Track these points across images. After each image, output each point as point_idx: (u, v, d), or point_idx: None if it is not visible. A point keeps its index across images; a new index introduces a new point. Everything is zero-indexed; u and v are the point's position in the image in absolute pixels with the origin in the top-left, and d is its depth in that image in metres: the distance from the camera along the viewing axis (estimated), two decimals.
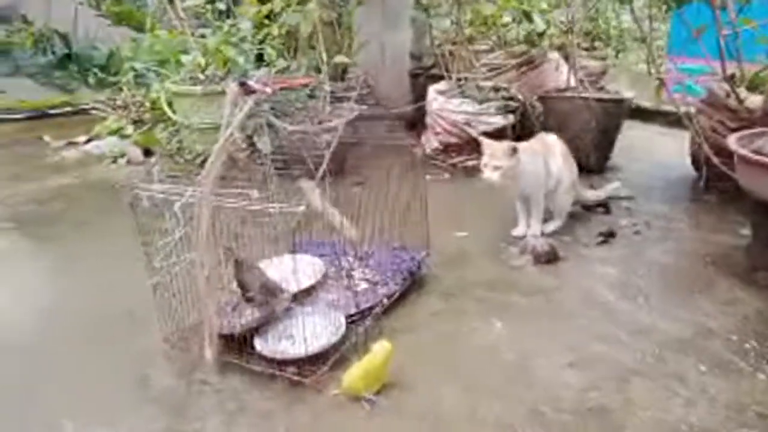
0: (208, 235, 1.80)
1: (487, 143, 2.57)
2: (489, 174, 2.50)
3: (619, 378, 1.82)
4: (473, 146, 3.60)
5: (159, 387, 1.83)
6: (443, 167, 3.66)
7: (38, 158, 4.09)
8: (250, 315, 1.97)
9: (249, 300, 1.96)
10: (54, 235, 2.94)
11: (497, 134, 3.27)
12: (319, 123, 2.50)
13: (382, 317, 2.11)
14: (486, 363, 1.91)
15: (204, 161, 1.92)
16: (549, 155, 2.72)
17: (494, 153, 2.51)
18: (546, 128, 3.47)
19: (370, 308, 2.09)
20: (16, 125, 4.98)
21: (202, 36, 4.22)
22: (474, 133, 3.52)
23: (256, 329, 1.95)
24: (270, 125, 1.97)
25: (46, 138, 4.43)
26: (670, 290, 2.32)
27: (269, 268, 2.10)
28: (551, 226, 2.78)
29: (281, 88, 2.02)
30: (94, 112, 4.72)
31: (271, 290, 1.98)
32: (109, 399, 1.79)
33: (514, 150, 2.52)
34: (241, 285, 1.98)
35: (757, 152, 2.29)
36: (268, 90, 1.90)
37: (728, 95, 2.99)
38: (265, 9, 4.02)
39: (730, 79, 2.92)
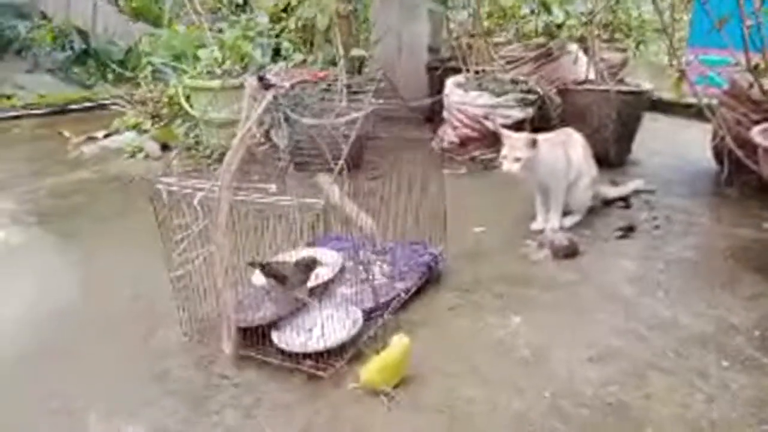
0: (226, 229, 1.82)
1: (506, 135, 2.57)
2: (509, 166, 2.51)
3: (639, 373, 1.81)
4: (491, 140, 3.59)
5: (178, 380, 1.85)
6: (461, 161, 3.65)
7: (58, 153, 4.15)
8: (268, 309, 1.98)
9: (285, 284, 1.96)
10: (74, 229, 2.98)
11: (516, 127, 3.25)
12: (337, 116, 2.50)
13: (400, 311, 2.12)
14: (504, 357, 1.90)
15: (222, 155, 1.93)
16: (569, 146, 2.72)
17: (514, 144, 2.51)
18: (565, 121, 3.46)
19: (388, 302, 2.09)
20: (36, 121, 5.05)
21: (219, 30, 4.24)
22: (492, 125, 3.50)
23: (274, 323, 1.96)
24: (287, 119, 1.97)
25: (66, 133, 4.49)
26: (692, 285, 2.29)
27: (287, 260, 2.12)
28: (570, 220, 2.77)
29: (299, 83, 2.02)
30: (112, 107, 4.78)
31: (308, 266, 1.97)
32: (129, 391, 1.82)
33: (534, 142, 2.52)
34: (279, 278, 1.97)
35: None
36: (287, 84, 1.91)
37: (751, 86, 2.94)
38: (281, 3, 4.03)
39: (754, 69, 2.87)
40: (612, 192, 2.99)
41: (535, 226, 2.74)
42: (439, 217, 2.34)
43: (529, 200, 2.79)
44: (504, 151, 2.53)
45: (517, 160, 2.49)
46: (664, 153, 3.74)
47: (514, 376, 1.81)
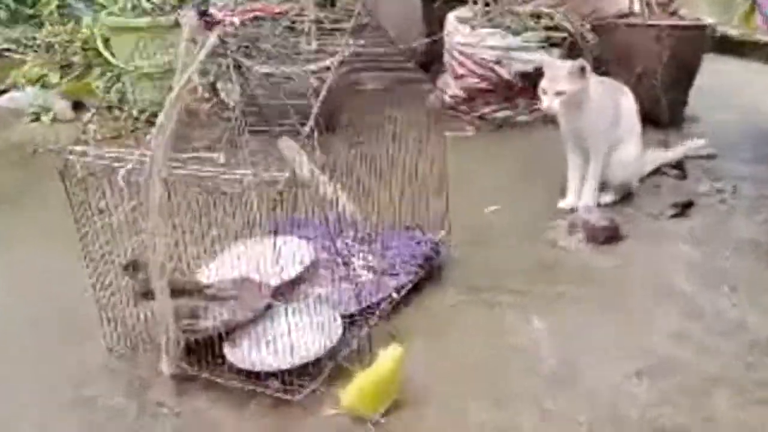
0: (161, 214, 1.81)
1: (548, 63, 2.65)
2: (548, 102, 2.55)
3: (698, 390, 1.83)
4: (506, 92, 3.59)
5: (105, 409, 1.85)
6: (467, 120, 3.66)
7: None
8: (219, 315, 1.97)
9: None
10: None
11: (537, 75, 3.25)
12: (304, 63, 2.49)
13: (391, 316, 2.13)
14: (525, 371, 1.92)
15: (153, 116, 1.93)
16: (621, 95, 2.76)
17: (557, 74, 2.56)
18: (602, 66, 3.45)
19: (375, 304, 2.10)
20: None
21: None
22: (507, 74, 3.50)
23: (228, 333, 1.95)
24: (239, 67, 1.96)
25: None
26: (764, 277, 2.32)
27: (241, 254, 2.13)
28: (610, 196, 2.79)
29: (252, 19, 2.01)
30: (8, 55, 4.71)
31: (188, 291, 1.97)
32: (45, 427, 1.81)
33: (583, 69, 2.56)
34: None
35: None
36: (237, 21, 1.90)
37: None
38: None
39: None
40: (662, 157, 3.01)
41: (565, 203, 2.76)
42: (440, 194, 2.35)
43: (557, 169, 2.80)
44: (543, 84, 2.57)
45: (560, 93, 2.53)
46: (729, 107, 3.75)
47: (538, 395, 1.83)
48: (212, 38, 1.86)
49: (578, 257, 2.47)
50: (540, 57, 3.39)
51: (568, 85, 2.53)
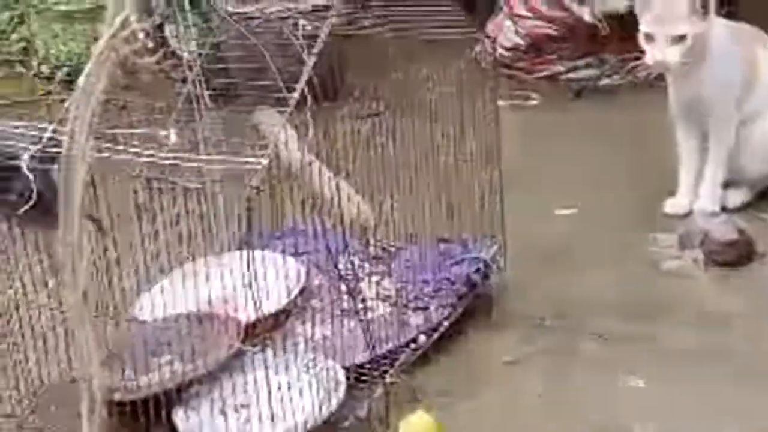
0: (84, 216, 1.78)
1: None
2: (659, 54, 2.53)
3: None
4: (587, 41, 3.59)
5: None
6: (530, 83, 3.69)
7: None
8: (165, 366, 1.98)
9: None
10: None
11: (633, 16, 3.22)
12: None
13: (417, 369, 2.12)
14: None
15: (73, 75, 1.91)
16: (759, 46, 2.74)
17: (671, 11, 2.54)
18: (731, 4, 3.40)
19: (394, 352, 2.10)
20: None
21: None
22: (589, 14, 3.47)
23: (178, 392, 1.95)
24: (195, 4, 1.96)
25: None
26: None
27: (198, 276, 2.15)
28: (740, 195, 2.77)
29: None
30: None
31: None
32: None
33: (705, 5, 2.53)
34: None
35: None
36: None
37: None
38: None
39: None
40: None
41: (675, 205, 2.76)
42: (490, 191, 2.35)
43: (661, 156, 2.81)
44: (647, 27, 2.56)
45: (677, 39, 2.51)
46: None
47: None
48: None
49: (695, 287, 2.47)
50: None
51: (690, 26, 2.51)
